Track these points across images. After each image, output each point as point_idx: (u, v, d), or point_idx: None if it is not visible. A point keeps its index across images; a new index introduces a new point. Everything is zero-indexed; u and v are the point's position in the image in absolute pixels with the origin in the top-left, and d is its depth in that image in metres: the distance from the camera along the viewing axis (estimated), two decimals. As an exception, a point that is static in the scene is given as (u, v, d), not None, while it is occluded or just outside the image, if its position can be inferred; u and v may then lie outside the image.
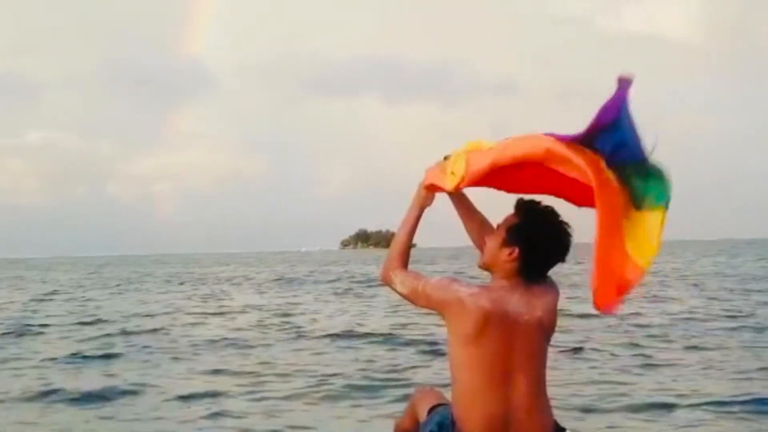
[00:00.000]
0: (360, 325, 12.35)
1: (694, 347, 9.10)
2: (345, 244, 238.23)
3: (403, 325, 11.79)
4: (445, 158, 2.81)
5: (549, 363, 2.67)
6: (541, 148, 2.49)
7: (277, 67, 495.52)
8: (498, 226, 2.72)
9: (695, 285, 20.99)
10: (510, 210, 2.69)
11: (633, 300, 12.92)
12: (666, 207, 2.47)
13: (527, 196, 2.72)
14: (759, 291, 18.06)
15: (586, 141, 2.41)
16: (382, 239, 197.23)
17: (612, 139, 2.41)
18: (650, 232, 2.46)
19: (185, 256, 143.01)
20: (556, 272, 2.69)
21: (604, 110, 2.38)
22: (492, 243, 2.69)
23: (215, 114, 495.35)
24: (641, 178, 2.46)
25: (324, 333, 11.20)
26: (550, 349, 2.69)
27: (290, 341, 10.61)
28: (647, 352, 8.76)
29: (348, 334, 10.97)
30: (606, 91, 2.37)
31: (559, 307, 2.68)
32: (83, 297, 22.46)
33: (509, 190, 2.80)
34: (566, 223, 2.62)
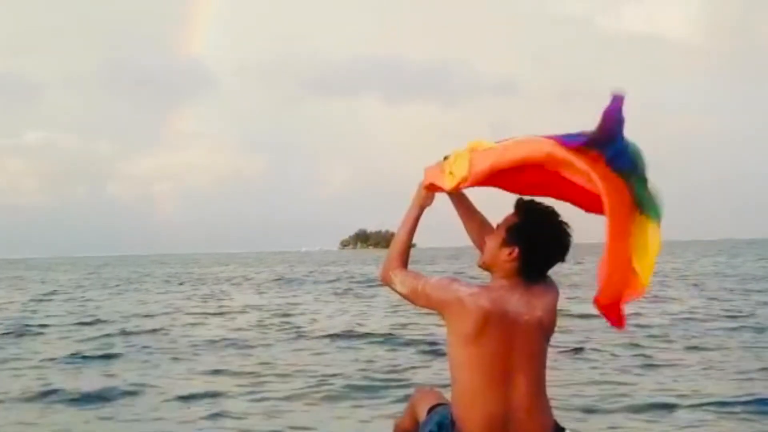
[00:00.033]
0: (360, 325, 12.34)
1: (695, 347, 9.09)
2: (344, 244, 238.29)
3: (403, 326, 11.78)
4: (445, 158, 2.81)
5: (549, 363, 2.67)
6: (542, 152, 2.49)
7: (277, 67, 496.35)
8: (498, 225, 2.72)
9: (695, 285, 20.98)
10: (510, 210, 2.69)
11: (633, 300, 12.86)
12: (659, 224, 2.49)
13: (527, 196, 2.72)
14: (759, 291, 18.05)
15: (588, 147, 2.42)
16: (381, 239, 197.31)
17: (612, 148, 2.41)
18: (651, 245, 2.48)
19: (185, 256, 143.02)
20: (556, 272, 2.69)
21: (603, 123, 2.38)
22: (492, 243, 2.69)
23: (215, 114, 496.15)
24: (642, 186, 2.47)
25: (324, 333, 11.19)
26: (550, 350, 2.68)
27: (290, 341, 10.60)
28: (648, 352, 8.75)
29: (348, 335, 10.96)
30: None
31: (559, 308, 2.68)
32: (83, 297, 22.45)
33: (514, 191, 2.79)
34: (566, 223, 2.62)
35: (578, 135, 2.44)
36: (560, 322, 2.70)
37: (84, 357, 9.28)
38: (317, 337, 10.84)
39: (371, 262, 55.25)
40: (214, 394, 6.79)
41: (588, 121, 2.52)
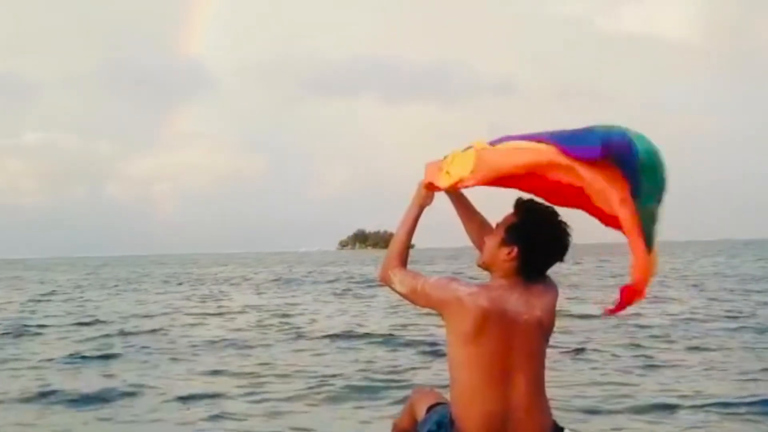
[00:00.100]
0: (359, 325, 12.31)
1: (696, 348, 9.06)
2: (343, 244, 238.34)
3: (403, 326, 11.75)
4: (446, 158, 2.80)
5: (550, 364, 2.66)
6: (544, 160, 2.47)
7: (277, 67, 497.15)
8: (497, 225, 2.72)
9: (695, 285, 20.96)
10: (510, 210, 2.68)
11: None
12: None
13: (527, 196, 2.70)
14: (759, 291, 18.04)
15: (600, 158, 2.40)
16: (380, 240, 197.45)
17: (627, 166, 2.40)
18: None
19: (184, 257, 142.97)
20: (555, 272, 2.68)
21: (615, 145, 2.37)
22: (491, 242, 2.69)
23: (215, 114, 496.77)
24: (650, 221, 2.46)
25: (323, 333, 11.16)
26: (551, 350, 2.68)
27: (290, 342, 10.57)
28: (649, 352, 8.73)
29: (347, 335, 10.93)
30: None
31: (559, 308, 2.67)
32: (81, 297, 22.42)
33: (526, 191, 2.78)
34: (565, 223, 2.63)
35: (583, 137, 2.41)
36: (561, 322, 2.69)
37: (83, 357, 9.25)
38: (317, 338, 10.82)
39: (370, 262, 55.23)
40: (213, 395, 6.76)
41: (588, 121, 2.52)
